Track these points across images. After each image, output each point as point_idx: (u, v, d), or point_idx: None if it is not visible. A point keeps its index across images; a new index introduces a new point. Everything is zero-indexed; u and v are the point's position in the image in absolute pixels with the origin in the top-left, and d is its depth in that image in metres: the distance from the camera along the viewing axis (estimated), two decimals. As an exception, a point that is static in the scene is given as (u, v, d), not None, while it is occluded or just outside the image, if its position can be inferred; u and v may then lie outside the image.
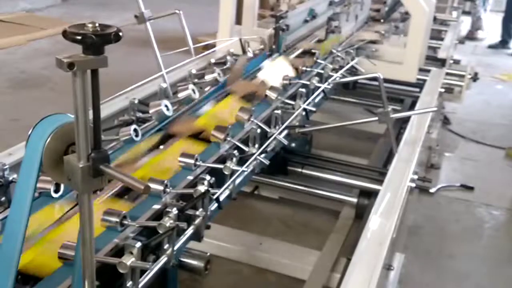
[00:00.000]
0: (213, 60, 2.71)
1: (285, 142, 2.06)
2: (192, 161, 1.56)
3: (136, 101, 2.05)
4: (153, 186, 1.36)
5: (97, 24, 0.80)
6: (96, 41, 0.78)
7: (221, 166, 1.60)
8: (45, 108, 4.26)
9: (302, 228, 3.01)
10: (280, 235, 2.75)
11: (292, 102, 2.31)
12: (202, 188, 1.42)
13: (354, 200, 2.65)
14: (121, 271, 1.12)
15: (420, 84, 3.13)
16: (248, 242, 2.54)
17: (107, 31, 0.79)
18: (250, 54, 2.69)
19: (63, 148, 0.91)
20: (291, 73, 2.45)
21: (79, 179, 0.86)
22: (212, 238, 2.34)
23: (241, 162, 1.73)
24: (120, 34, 0.80)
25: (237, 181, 1.67)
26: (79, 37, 0.78)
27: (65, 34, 0.79)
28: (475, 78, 3.50)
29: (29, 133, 0.93)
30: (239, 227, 2.69)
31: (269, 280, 2.53)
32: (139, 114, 2.00)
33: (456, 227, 3.34)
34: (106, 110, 2.08)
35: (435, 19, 4.34)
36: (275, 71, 2.40)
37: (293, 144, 2.72)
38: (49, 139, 0.89)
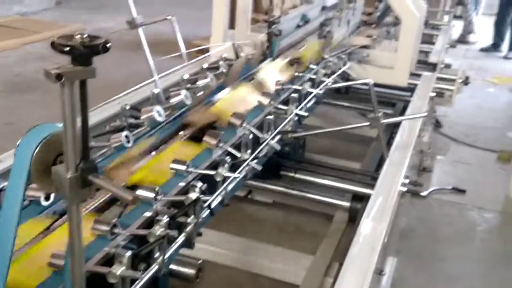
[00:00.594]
0: (206, 65, 2.71)
1: (278, 147, 2.07)
2: (183, 167, 1.56)
3: (127, 107, 2.04)
4: (144, 193, 1.37)
5: (85, 35, 0.80)
6: (84, 52, 0.78)
7: (213, 172, 1.61)
8: (39, 112, 4.28)
9: (295, 232, 3.01)
10: (273, 240, 2.75)
11: (285, 107, 2.31)
12: (193, 195, 1.42)
13: (347, 204, 2.66)
14: (111, 281, 1.12)
15: (411, 88, 3.14)
16: (241, 247, 2.54)
17: (95, 42, 0.80)
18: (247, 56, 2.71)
19: (52, 158, 0.91)
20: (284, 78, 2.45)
21: (67, 190, 0.86)
22: (205, 243, 2.34)
23: (234, 168, 1.73)
24: (108, 45, 0.80)
25: (229, 187, 1.67)
26: (67, 49, 0.78)
27: (53, 45, 0.79)
28: (466, 82, 3.52)
29: (18, 143, 0.93)
30: (232, 232, 2.70)
31: (262, 285, 2.53)
32: (131, 120, 2.00)
33: (448, 230, 3.36)
34: (97, 116, 2.08)
35: (426, 23, 4.36)
36: (275, 72, 2.41)
37: (286, 149, 2.73)
38: (37, 149, 0.90)
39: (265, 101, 2.21)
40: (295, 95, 2.36)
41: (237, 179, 1.72)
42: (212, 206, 1.54)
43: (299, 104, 2.40)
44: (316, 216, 3.00)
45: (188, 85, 2.37)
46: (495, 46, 7.91)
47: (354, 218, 2.53)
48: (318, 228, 2.92)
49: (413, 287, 2.79)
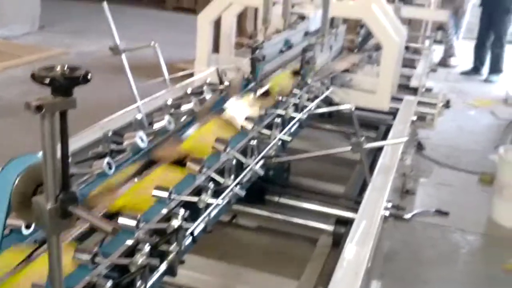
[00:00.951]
0: (189, 90, 2.72)
1: (261, 172, 2.07)
2: (166, 194, 1.56)
3: (110, 133, 2.04)
4: (125, 221, 1.36)
5: (65, 67, 0.80)
6: (65, 84, 0.78)
7: (196, 199, 1.60)
8: (22, 136, 4.24)
9: (280, 256, 3.00)
10: (258, 265, 2.74)
11: (268, 132, 2.32)
12: (175, 223, 1.41)
13: (331, 228, 2.66)
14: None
15: (393, 112, 3.18)
16: (225, 273, 2.52)
17: (75, 74, 0.80)
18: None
19: (32, 188, 0.91)
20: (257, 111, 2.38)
21: (47, 221, 0.86)
22: (188, 269, 2.31)
23: (217, 193, 1.73)
24: (89, 76, 0.80)
25: (213, 214, 1.67)
26: (47, 80, 0.78)
27: (33, 77, 0.79)
28: (447, 105, 3.57)
29: (-2, 173, 0.93)
30: (216, 257, 2.68)
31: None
32: (113, 146, 1.99)
33: (431, 252, 3.37)
34: (79, 141, 2.07)
35: (407, 48, 4.44)
36: (243, 107, 2.38)
37: (271, 173, 2.73)
38: (17, 180, 0.89)
39: (248, 126, 2.21)
40: (278, 120, 2.37)
41: (221, 206, 1.71)
42: (195, 233, 1.53)
43: (283, 129, 2.41)
44: (301, 240, 2.99)
45: (172, 110, 2.38)
46: (476, 70, 8.04)
47: (338, 242, 2.53)
48: (302, 252, 2.91)
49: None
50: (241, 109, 2.35)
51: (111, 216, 1.41)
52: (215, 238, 2.86)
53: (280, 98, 2.65)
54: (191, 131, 2.10)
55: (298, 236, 2.99)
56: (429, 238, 3.54)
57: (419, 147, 4.79)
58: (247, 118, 2.24)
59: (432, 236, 3.55)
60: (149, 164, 1.83)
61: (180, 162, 1.80)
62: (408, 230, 3.56)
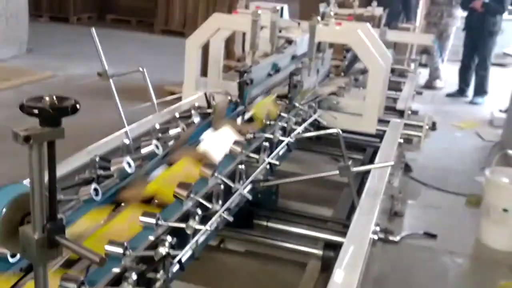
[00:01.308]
0: (177, 114, 2.73)
1: (249, 197, 2.07)
2: (153, 221, 1.55)
3: (97, 158, 2.03)
4: (112, 249, 1.35)
5: (54, 97, 0.81)
6: (53, 114, 0.79)
7: (183, 225, 1.59)
8: (9, 161, 4.20)
9: (269, 281, 2.98)
10: (246, 289, 2.72)
11: (256, 156, 2.33)
12: (163, 250, 1.40)
13: (320, 252, 2.65)
14: None
15: (380, 134, 3.20)
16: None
17: (64, 104, 0.80)
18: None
19: (19, 218, 0.90)
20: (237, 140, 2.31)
21: (34, 251, 0.85)
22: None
23: (205, 219, 1.72)
24: (78, 106, 0.81)
25: (200, 240, 1.66)
26: (36, 111, 0.78)
27: (22, 107, 0.80)
28: (433, 127, 3.60)
29: (-16, 203, 0.92)
30: (204, 283, 2.65)
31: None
32: (100, 172, 1.98)
33: (421, 275, 3.37)
34: (66, 167, 2.05)
35: (393, 71, 4.49)
36: (220, 140, 2.34)
37: (259, 196, 2.73)
38: (4, 210, 0.89)
39: (236, 151, 2.21)
40: (266, 143, 2.38)
41: (209, 231, 1.70)
42: (183, 260, 1.52)
43: (271, 153, 2.41)
44: (290, 264, 2.98)
45: (159, 135, 2.39)
46: (461, 92, 8.13)
47: (327, 266, 2.53)
48: (291, 277, 2.89)
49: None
50: (218, 141, 2.33)
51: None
52: (203, 263, 2.84)
53: (268, 122, 2.66)
54: (158, 171, 2.01)
55: (287, 261, 2.98)
56: (418, 261, 3.53)
57: (407, 169, 4.82)
58: (235, 142, 2.24)
59: (421, 259, 3.55)
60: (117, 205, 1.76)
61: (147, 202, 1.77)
62: (397, 253, 3.55)
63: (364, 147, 3.82)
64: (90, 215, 1.59)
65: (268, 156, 2.36)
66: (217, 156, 2.17)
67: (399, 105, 3.62)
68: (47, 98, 0.80)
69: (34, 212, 0.83)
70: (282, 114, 2.78)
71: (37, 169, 0.81)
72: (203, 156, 2.13)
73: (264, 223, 2.68)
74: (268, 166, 2.37)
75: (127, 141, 2.20)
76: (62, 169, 2.02)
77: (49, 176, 0.85)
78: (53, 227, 0.85)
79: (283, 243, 2.70)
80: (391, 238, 2.29)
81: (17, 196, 0.90)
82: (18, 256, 1.37)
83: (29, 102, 0.79)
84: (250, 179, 2.13)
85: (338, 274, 1.68)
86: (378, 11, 5.57)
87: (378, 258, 3.22)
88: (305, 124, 2.75)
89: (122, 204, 1.76)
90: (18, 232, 0.88)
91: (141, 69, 2.27)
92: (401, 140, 3.20)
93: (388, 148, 2.86)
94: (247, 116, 2.74)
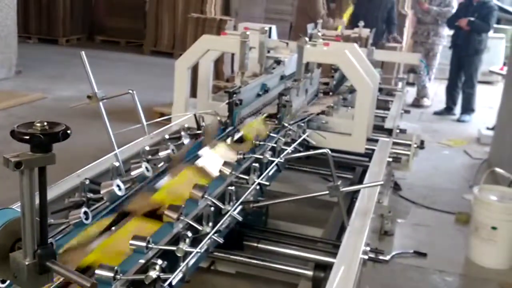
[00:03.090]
0: (167, 136, 2.73)
1: (240, 218, 2.07)
2: (143, 244, 1.55)
3: (87, 181, 2.03)
4: (103, 273, 1.34)
5: (45, 123, 0.81)
6: (44, 141, 0.79)
7: (173, 248, 1.59)
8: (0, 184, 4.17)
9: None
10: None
11: (246, 177, 2.33)
12: (153, 274, 1.40)
13: (310, 273, 2.65)
14: None
15: (369, 153, 3.22)
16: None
17: (55, 130, 0.81)
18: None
19: (9, 244, 0.90)
20: (231, 159, 2.34)
21: (25, 277, 0.85)
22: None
23: (195, 241, 1.72)
24: (69, 132, 0.81)
25: (191, 262, 1.66)
26: (27, 137, 0.79)
27: (13, 134, 0.80)
28: (421, 146, 3.63)
29: (-26, 230, 0.92)
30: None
31: None
32: (90, 195, 1.98)
33: (411, 294, 3.37)
34: (56, 190, 2.05)
35: (381, 90, 4.53)
36: (214, 159, 2.35)
37: (249, 217, 2.73)
38: (-6, 236, 0.88)
39: (226, 171, 2.22)
40: (256, 164, 2.39)
41: (199, 254, 1.70)
42: (173, 283, 1.52)
43: (261, 173, 2.42)
44: (280, 285, 2.97)
45: (149, 156, 2.39)
46: (448, 110, 8.21)
47: (317, 287, 2.52)
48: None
49: None
50: (214, 157, 2.35)
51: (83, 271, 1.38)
52: (193, 286, 2.83)
53: (257, 142, 2.67)
54: (163, 181, 2.06)
55: (277, 281, 2.97)
56: (408, 280, 3.54)
57: (396, 187, 4.84)
58: (225, 163, 2.25)
59: (412, 278, 3.56)
60: (123, 215, 1.80)
61: (153, 213, 1.79)
62: (387, 272, 3.55)
63: (354, 166, 3.84)
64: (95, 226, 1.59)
65: (258, 177, 2.37)
66: (214, 169, 2.19)
67: (387, 124, 3.65)
68: (38, 124, 0.80)
69: (25, 238, 0.83)
70: (272, 134, 2.80)
71: (28, 195, 0.81)
72: (201, 170, 2.16)
73: (255, 244, 2.68)
74: (258, 187, 2.37)
75: (117, 164, 2.20)
76: (52, 193, 2.01)
77: (40, 202, 0.85)
78: (44, 253, 0.85)
79: (274, 264, 2.69)
80: (381, 257, 2.30)
81: (8, 222, 0.90)
82: (8, 282, 1.36)
83: (20, 128, 0.80)
84: (240, 200, 2.13)
85: (330, 295, 1.68)
86: (365, 32, 5.64)
87: (369, 278, 3.22)
88: (294, 145, 2.76)
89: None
90: (8, 258, 0.88)
91: (130, 91, 2.28)
92: (390, 159, 3.23)
93: (377, 167, 2.88)
94: (236, 136, 2.75)
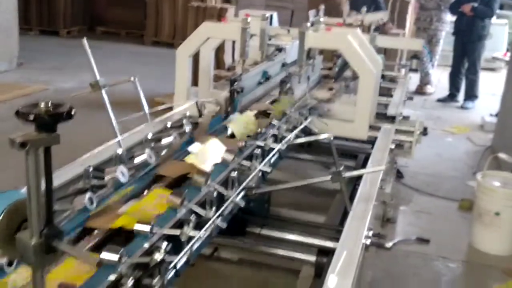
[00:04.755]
0: (169, 124, 2.73)
1: (242, 204, 2.08)
2: (148, 228, 1.55)
3: (91, 169, 2.03)
4: (108, 256, 1.35)
5: (49, 103, 0.82)
6: (49, 120, 0.80)
7: (177, 232, 1.60)
8: (5, 174, 4.19)
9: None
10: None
11: (248, 164, 2.34)
12: (158, 257, 1.41)
13: (313, 258, 2.66)
14: None
15: (372, 141, 3.22)
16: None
17: (59, 110, 0.81)
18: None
19: (16, 224, 0.91)
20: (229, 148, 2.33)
21: (32, 256, 0.86)
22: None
23: (199, 226, 1.73)
24: (73, 112, 0.82)
25: (195, 246, 1.67)
26: (31, 117, 0.80)
27: (17, 114, 0.81)
28: (424, 133, 3.62)
29: (-19, 211, 0.93)
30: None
31: None
32: (94, 182, 1.99)
33: (414, 281, 3.38)
34: (60, 178, 2.05)
35: (383, 76, 4.51)
36: (209, 152, 2.36)
37: (251, 204, 2.73)
38: (0, 217, 0.89)
39: (228, 158, 2.23)
40: (258, 151, 2.39)
41: (203, 238, 1.71)
42: (178, 266, 1.53)
43: (263, 160, 2.43)
44: (283, 271, 2.98)
45: (152, 144, 2.39)
46: (452, 97, 8.20)
47: (320, 272, 2.53)
48: (285, 284, 2.90)
49: None
50: (206, 153, 2.34)
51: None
52: (197, 272, 2.85)
53: (259, 129, 2.67)
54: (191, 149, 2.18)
55: (280, 268, 2.98)
56: (411, 266, 3.55)
57: (399, 175, 4.84)
58: (227, 150, 2.25)
59: (415, 265, 3.57)
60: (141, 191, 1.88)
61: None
62: (390, 259, 3.57)
63: (356, 154, 3.84)
64: None
65: (260, 163, 2.37)
66: (206, 167, 2.18)
67: (390, 111, 3.64)
68: (42, 104, 0.81)
69: (31, 218, 0.84)
70: (273, 122, 2.80)
71: (33, 175, 0.82)
72: (192, 168, 2.14)
73: (257, 230, 2.69)
74: (260, 174, 2.38)
75: (119, 151, 2.21)
76: (55, 181, 2.02)
77: (46, 182, 0.86)
78: (50, 232, 0.86)
79: (276, 250, 2.70)
80: (383, 243, 2.31)
81: (14, 203, 0.91)
82: (14, 265, 1.37)
83: (25, 109, 0.81)
84: (243, 185, 2.14)
85: (332, 279, 1.68)
86: (368, 18, 5.61)
87: (371, 264, 3.23)
88: (296, 131, 2.76)
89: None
90: (15, 238, 0.89)
91: (132, 78, 2.28)
92: (393, 146, 3.22)
93: (379, 153, 2.88)
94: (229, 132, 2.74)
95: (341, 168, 2.13)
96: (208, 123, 2.74)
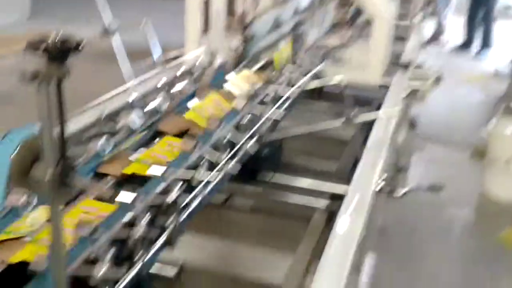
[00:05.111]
0: (181, 71, 2.71)
1: (254, 150, 2.09)
2: (161, 171, 1.57)
3: (103, 115, 2.04)
4: (125, 195, 1.36)
5: (60, 34, 0.81)
6: (60, 50, 0.79)
7: (190, 175, 1.62)
8: (10, 126, 4.23)
9: (275, 235, 3.02)
10: (253, 242, 2.76)
11: (260, 111, 2.33)
12: (173, 196, 1.43)
13: (325, 205, 2.67)
14: (92, 283, 1.12)
15: (385, 88, 3.19)
16: (221, 250, 2.54)
17: (70, 39, 0.81)
18: (217, 64, 2.71)
19: (30, 159, 0.91)
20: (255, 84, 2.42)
21: (46, 190, 0.86)
22: (184, 248, 2.33)
23: (211, 170, 1.75)
24: (83, 43, 0.81)
25: (207, 190, 1.69)
26: (42, 46, 0.79)
27: (28, 45, 0.80)
28: (438, 81, 3.58)
29: (-5, 146, 0.93)
30: (211, 236, 2.69)
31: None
32: (108, 128, 1.99)
33: (426, 228, 3.41)
34: (73, 125, 2.06)
35: (398, 24, 4.42)
36: (240, 83, 2.37)
37: (263, 152, 2.74)
38: (15, 152, 0.90)
39: (240, 104, 2.23)
40: (269, 98, 2.38)
41: (215, 182, 1.73)
42: (192, 207, 1.55)
43: (274, 106, 2.42)
44: (295, 218, 3.01)
45: (165, 91, 2.38)
46: (466, 46, 8.06)
47: (331, 218, 2.55)
48: (297, 230, 2.93)
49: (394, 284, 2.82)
50: (241, 82, 2.36)
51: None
52: (209, 220, 2.88)
53: (272, 74, 2.65)
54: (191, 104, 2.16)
55: (292, 215, 3.01)
56: (422, 214, 3.57)
57: (411, 124, 4.80)
58: (239, 97, 2.25)
59: (426, 213, 3.59)
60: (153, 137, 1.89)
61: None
62: (402, 207, 3.58)
63: (368, 102, 3.81)
64: None
65: (272, 109, 2.37)
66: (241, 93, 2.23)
67: (404, 58, 3.58)
68: (52, 35, 0.80)
69: (45, 152, 0.85)
70: (286, 67, 2.77)
71: (46, 108, 0.82)
72: (190, 124, 2.13)
73: (269, 177, 2.70)
74: (272, 119, 2.37)
75: (132, 97, 2.21)
76: (70, 127, 2.02)
77: (59, 116, 0.86)
78: (64, 166, 0.86)
79: (288, 198, 2.72)
80: (395, 191, 2.32)
81: (28, 138, 0.91)
82: (31, 207, 1.39)
83: (35, 39, 0.80)
84: (252, 130, 2.14)
85: (342, 221, 1.69)
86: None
87: (382, 212, 3.25)
88: (309, 75, 2.74)
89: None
90: (29, 173, 0.90)
91: (144, 21, 2.25)
92: (406, 93, 3.19)
93: (392, 100, 2.85)
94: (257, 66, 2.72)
95: (355, 111, 2.11)
96: (213, 75, 2.71)
